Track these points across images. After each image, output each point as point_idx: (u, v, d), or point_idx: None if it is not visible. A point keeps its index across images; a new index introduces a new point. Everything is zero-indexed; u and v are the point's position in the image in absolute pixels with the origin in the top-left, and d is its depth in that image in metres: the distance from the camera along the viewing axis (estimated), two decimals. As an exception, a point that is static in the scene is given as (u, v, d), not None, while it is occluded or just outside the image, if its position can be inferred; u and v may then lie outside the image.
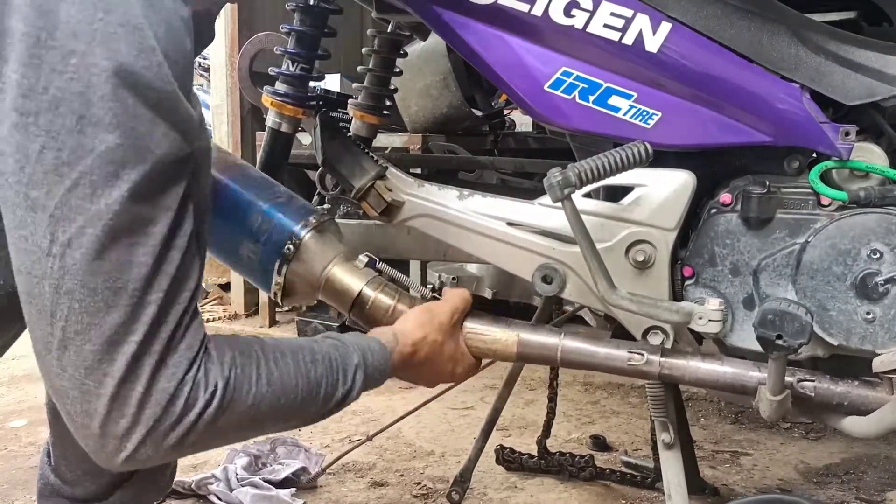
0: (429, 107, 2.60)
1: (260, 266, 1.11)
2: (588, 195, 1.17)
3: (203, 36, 0.97)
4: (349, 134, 1.40)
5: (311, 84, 1.38)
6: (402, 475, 1.70)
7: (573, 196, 1.05)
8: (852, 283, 1.08)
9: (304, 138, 1.84)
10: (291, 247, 1.09)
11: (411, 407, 1.66)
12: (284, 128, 1.35)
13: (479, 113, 2.87)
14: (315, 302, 1.22)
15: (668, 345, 1.13)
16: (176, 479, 1.57)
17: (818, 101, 1.10)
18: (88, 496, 1.14)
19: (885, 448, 1.84)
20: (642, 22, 1.09)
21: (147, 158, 0.68)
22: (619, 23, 1.10)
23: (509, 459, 1.70)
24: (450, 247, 1.28)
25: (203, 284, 3.22)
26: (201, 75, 5.57)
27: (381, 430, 1.67)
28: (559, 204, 1.06)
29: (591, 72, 1.12)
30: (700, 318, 1.08)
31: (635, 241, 1.15)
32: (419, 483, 1.65)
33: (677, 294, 1.17)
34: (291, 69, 1.34)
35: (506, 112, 3.01)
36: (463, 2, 1.12)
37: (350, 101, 1.51)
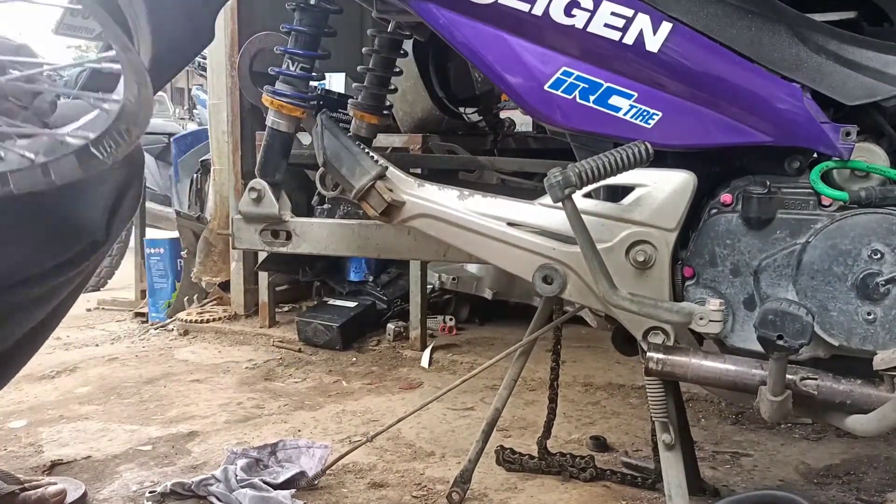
0: (408, 111, 2.64)
1: None
2: (588, 195, 1.17)
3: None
4: (349, 134, 1.40)
5: (312, 84, 1.38)
6: (402, 476, 1.69)
7: (574, 196, 1.05)
8: (853, 284, 1.07)
9: (305, 138, 1.84)
10: None
11: (411, 408, 1.65)
12: (284, 127, 1.35)
13: (475, 118, 2.89)
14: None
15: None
16: (176, 479, 1.58)
17: (819, 102, 1.10)
18: None
19: (886, 449, 1.83)
20: (643, 22, 1.09)
21: None
22: (620, 22, 1.09)
23: (510, 460, 1.70)
24: (450, 247, 1.28)
25: (202, 284, 3.21)
26: (200, 75, 5.57)
27: (382, 431, 1.66)
28: (560, 204, 1.06)
29: (592, 72, 1.12)
30: (700, 319, 1.08)
31: (636, 241, 1.15)
32: (419, 484, 1.65)
33: (678, 294, 1.16)
34: (291, 69, 1.33)
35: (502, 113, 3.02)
36: (463, 1, 1.12)
37: (350, 100, 1.51)
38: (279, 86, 1.34)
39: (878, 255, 1.06)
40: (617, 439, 1.91)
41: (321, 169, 1.32)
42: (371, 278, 3.08)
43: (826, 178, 1.10)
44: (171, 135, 4.98)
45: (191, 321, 3.04)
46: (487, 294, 2.91)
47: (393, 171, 1.26)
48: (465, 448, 1.65)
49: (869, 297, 1.07)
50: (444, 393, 1.57)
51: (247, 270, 3.10)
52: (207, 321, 3.04)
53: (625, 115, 1.12)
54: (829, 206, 1.09)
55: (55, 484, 1.52)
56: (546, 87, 1.13)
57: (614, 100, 1.12)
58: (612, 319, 1.22)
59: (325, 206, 1.49)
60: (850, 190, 1.08)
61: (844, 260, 1.08)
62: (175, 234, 3.40)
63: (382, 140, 2.51)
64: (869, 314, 1.07)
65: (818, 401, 1.07)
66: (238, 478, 1.54)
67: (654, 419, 1.20)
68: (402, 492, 1.62)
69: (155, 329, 3.11)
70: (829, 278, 1.08)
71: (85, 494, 1.59)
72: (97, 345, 2.90)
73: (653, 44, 1.09)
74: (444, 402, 2.11)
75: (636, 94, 1.12)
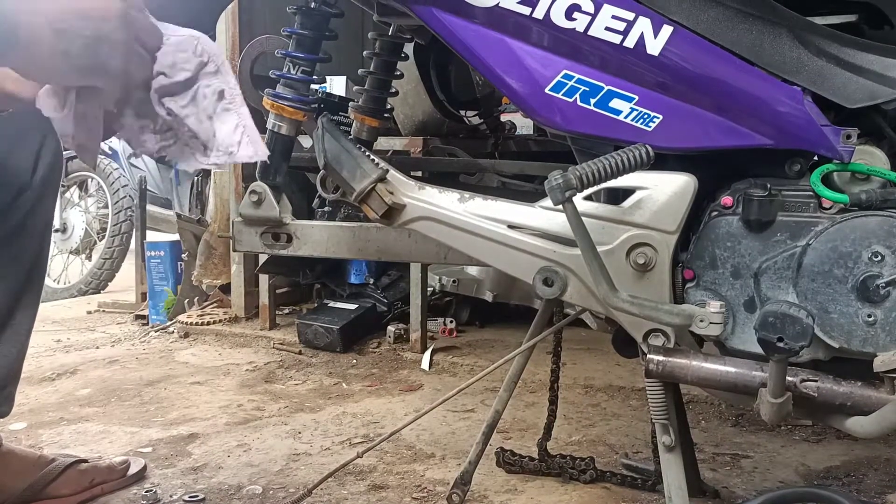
0: (409, 114, 2.65)
1: None
2: (589, 198, 1.17)
3: None
4: (350, 137, 1.40)
5: (313, 87, 1.38)
6: (402, 478, 1.69)
7: (574, 199, 1.05)
8: (853, 286, 1.08)
9: (305, 141, 1.84)
10: None
11: (411, 409, 1.65)
12: (285, 130, 1.35)
13: (476, 121, 2.90)
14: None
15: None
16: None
17: (819, 104, 1.10)
18: None
19: (886, 450, 1.83)
20: (644, 25, 1.09)
21: None
22: (621, 26, 1.10)
23: (510, 462, 1.70)
24: (450, 249, 1.28)
25: (203, 287, 3.21)
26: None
27: (370, 448, 1.66)
28: (560, 207, 1.06)
29: (593, 75, 1.12)
30: (701, 321, 1.08)
31: (636, 243, 1.15)
32: (419, 486, 1.65)
33: (678, 297, 1.17)
34: (292, 72, 1.34)
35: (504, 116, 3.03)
36: (464, 5, 1.13)
37: (351, 104, 1.51)
38: (280, 89, 1.35)
39: (879, 258, 1.07)
40: (617, 441, 1.91)
41: (322, 172, 1.32)
42: (371, 281, 3.07)
43: (827, 180, 1.10)
44: (171, 137, 4.97)
45: (191, 323, 3.04)
46: (488, 296, 2.91)
47: (393, 174, 1.26)
48: (465, 450, 1.65)
49: (869, 300, 1.07)
50: (441, 402, 1.56)
51: (247, 273, 3.10)
52: (208, 323, 3.04)
53: (625, 118, 1.12)
54: (830, 208, 1.10)
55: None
56: (547, 91, 1.13)
57: (615, 103, 1.12)
58: (613, 321, 1.22)
59: (326, 208, 1.50)
60: (850, 192, 1.09)
61: (845, 262, 1.08)
62: (176, 236, 3.40)
63: (383, 143, 2.52)
64: (869, 316, 1.07)
65: (818, 403, 1.07)
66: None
67: (654, 421, 1.20)
68: (403, 493, 1.62)
69: (155, 331, 3.11)
70: (830, 280, 1.09)
71: (145, 468, 1.70)
72: (97, 347, 2.90)
73: (654, 47, 1.10)
74: (445, 404, 2.10)
75: (637, 98, 1.12)
